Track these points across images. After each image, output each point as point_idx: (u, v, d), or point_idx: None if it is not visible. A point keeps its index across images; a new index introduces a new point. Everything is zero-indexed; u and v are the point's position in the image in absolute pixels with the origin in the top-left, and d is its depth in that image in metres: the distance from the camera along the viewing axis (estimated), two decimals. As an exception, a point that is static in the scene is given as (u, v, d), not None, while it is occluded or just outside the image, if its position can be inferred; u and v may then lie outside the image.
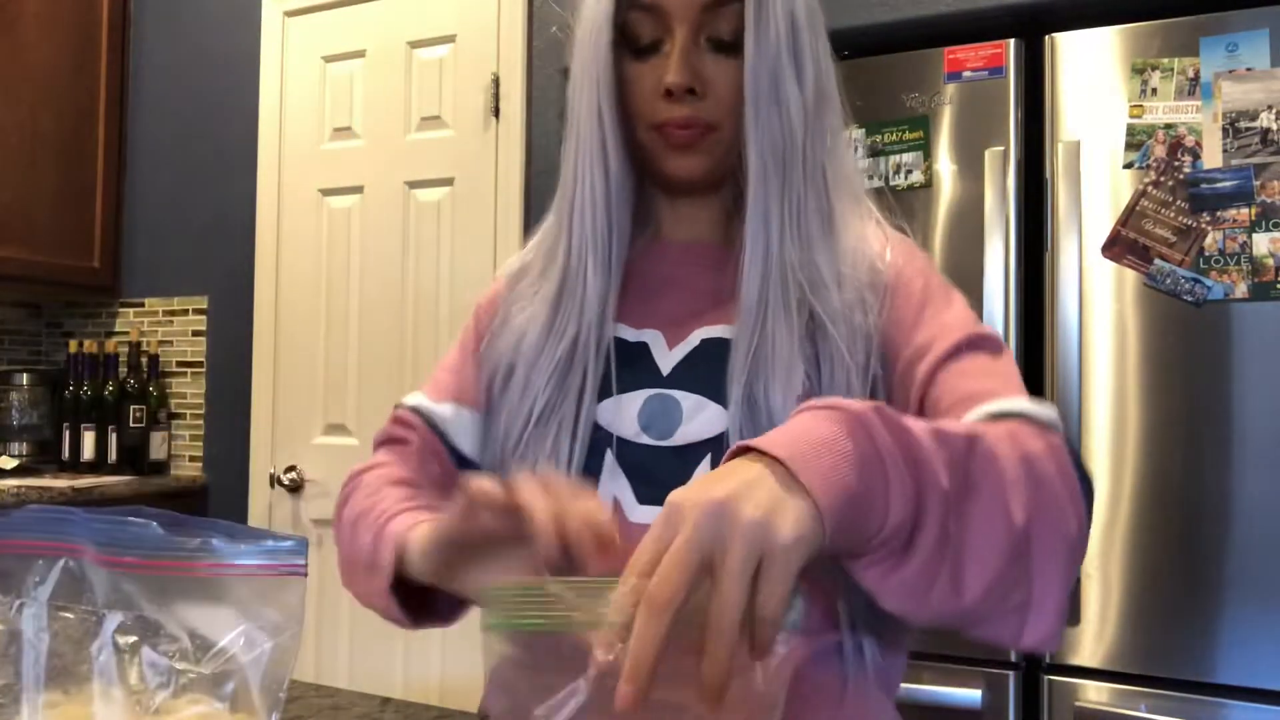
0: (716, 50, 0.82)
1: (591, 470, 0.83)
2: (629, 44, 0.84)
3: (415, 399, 0.94)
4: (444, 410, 0.92)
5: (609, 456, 0.83)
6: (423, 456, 0.90)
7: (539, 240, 0.93)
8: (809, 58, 0.83)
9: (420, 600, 0.78)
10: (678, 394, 0.83)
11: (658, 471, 0.82)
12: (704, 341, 0.85)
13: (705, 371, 0.83)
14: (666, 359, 0.85)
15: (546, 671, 0.54)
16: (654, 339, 0.86)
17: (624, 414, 0.83)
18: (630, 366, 0.85)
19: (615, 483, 0.82)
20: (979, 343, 0.79)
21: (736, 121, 0.82)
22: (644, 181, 0.89)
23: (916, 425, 0.60)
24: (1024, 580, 0.62)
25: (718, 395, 0.81)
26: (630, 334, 0.87)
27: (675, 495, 0.52)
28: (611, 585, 0.51)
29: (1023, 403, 0.72)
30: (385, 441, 0.93)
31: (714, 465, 0.79)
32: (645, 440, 0.82)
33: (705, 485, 0.52)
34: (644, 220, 0.91)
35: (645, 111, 0.84)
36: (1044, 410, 0.71)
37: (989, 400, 0.73)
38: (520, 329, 0.88)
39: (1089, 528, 0.68)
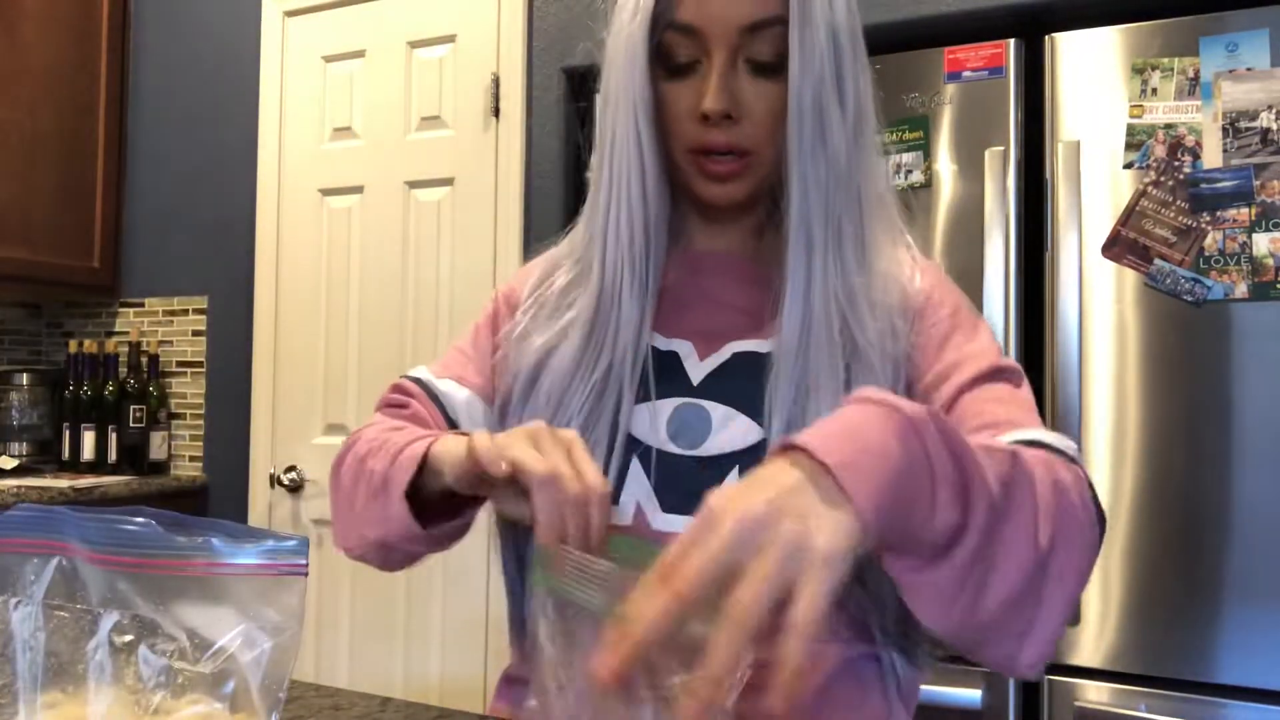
0: (755, 73, 0.81)
1: (617, 475, 0.82)
2: (665, 64, 0.82)
3: (418, 371, 0.95)
4: (445, 386, 0.92)
5: (635, 463, 0.83)
6: (420, 423, 0.90)
7: (570, 247, 0.92)
8: (850, 77, 0.82)
9: (431, 513, 0.77)
10: (707, 404, 0.83)
11: (684, 480, 0.81)
12: (735, 355, 0.84)
13: (736, 384, 0.83)
14: (698, 369, 0.85)
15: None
16: (684, 349, 0.86)
17: (654, 421, 0.83)
18: (660, 375, 0.85)
19: (640, 490, 0.82)
20: (1002, 373, 0.80)
21: (774, 144, 0.81)
22: (676, 195, 0.88)
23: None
24: (1033, 605, 0.62)
25: (748, 408, 0.81)
26: (661, 342, 0.86)
27: (713, 499, 0.51)
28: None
29: (1045, 434, 0.73)
30: (384, 407, 0.94)
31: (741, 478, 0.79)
32: (673, 449, 0.82)
33: (745, 490, 0.51)
34: (676, 232, 0.90)
35: (682, 134, 0.82)
36: (1066, 443, 0.72)
37: (1011, 429, 0.74)
38: (550, 343, 0.87)
39: (1095, 560, 0.68)
